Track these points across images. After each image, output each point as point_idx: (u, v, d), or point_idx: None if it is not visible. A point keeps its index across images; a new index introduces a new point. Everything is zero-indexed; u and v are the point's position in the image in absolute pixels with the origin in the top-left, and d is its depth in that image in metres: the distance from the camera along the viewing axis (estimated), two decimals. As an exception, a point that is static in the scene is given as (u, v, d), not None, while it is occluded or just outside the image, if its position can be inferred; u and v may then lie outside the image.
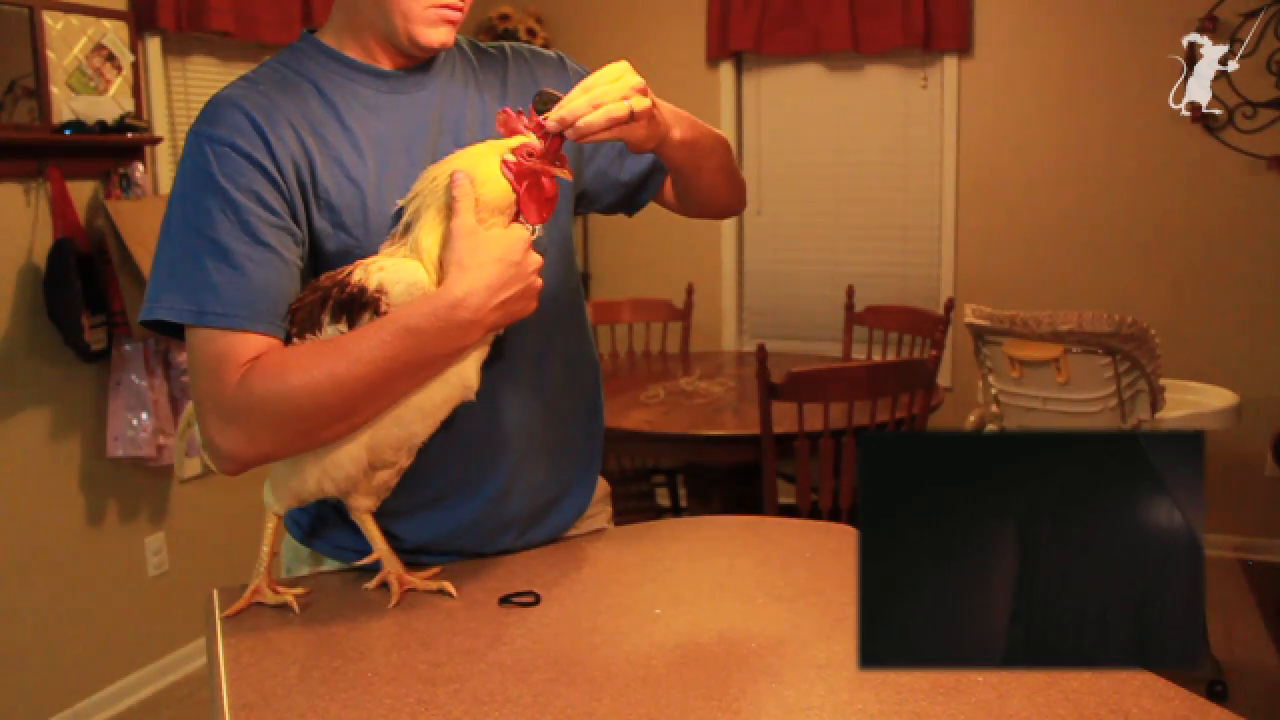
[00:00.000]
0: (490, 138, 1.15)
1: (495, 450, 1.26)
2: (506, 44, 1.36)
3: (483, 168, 1.09)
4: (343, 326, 1.08)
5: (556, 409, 1.33)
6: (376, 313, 1.07)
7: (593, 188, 1.37)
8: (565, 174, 1.13)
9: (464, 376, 1.12)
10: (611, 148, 1.36)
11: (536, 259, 1.12)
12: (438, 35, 1.19)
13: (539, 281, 1.13)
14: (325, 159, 1.15)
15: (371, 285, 1.08)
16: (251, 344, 1.08)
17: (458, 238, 1.07)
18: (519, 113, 1.13)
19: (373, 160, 1.17)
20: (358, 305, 1.07)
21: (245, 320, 1.08)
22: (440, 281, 1.08)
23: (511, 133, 1.12)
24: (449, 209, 1.09)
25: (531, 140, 1.10)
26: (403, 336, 1.06)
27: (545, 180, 1.11)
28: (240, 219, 1.08)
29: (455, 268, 1.07)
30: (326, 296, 1.09)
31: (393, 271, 1.08)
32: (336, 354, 1.06)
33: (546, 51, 1.37)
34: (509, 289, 1.09)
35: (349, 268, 1.10)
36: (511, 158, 1.10)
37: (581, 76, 1.31)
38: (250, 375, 1.07)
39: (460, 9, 1.20)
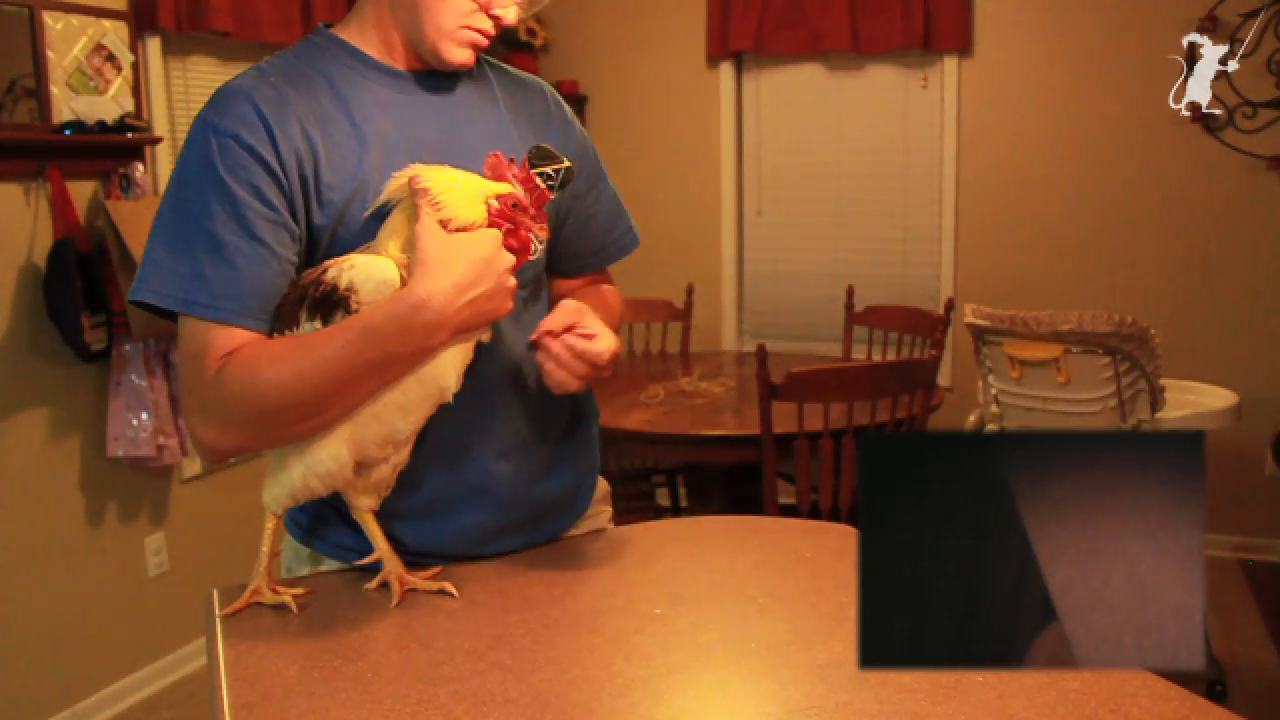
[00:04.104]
0: (494, 150, 1.16)
1: (494, 455, 1.26)
2: (526, 74, 1.38)
3: (465, 190, 1.10)
4: (318, 324, 1.08)
5: (552, 411, 1.33)
6: (347, 311, 1.07)
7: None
8: (542, 232, 1.14)
9: (438, 376, 1.11)
10: (580, 214, 1.37)
11: (508, 258, 1.11)
12: (461, 55, 1.21)
13: (511, 281, 1.12)
14: (330, 155, 1.15)
15: (342, 284, 1.08)
16: (235, 337, 1.09)
17: (424, 237, 1.07)
18: (510, 160, 1.13)
19: (378, 159, 1.17)
20: (329, 304, 1.08)
21: (231, 314, 1.08)
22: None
23: (498, 179, 1.13)
24: (414, 210, 1.09)
25: (519, 192, 1.11)
26: (365, 336, 1.05)
27: (522, 232, 1.12)
28: (237, 213, 1.09)
29: (420, 268, 1.06)
30: (304, 294, 1.10)
31: (362, 270, 1.08)
32: (303, 352, 1.06)
33: (561, 101, 1.39)
34: (477, 287, 1.08)
35: (326, 264, 1.11)
36: (495, 204, 1.10)
37: (566, 122, 1.36)
38: (224, 368, 1.08)
39: (490, 36, 1.22)
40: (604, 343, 1.18)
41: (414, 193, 1.09)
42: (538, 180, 1.13)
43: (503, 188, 1.11)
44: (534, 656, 1.04)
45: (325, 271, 1.10)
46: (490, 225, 1.10)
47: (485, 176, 1.13)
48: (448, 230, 1.08)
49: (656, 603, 1.16)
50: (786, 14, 4.17)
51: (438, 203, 1.07)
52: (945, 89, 4.11)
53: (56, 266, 2.71)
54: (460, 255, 1.07)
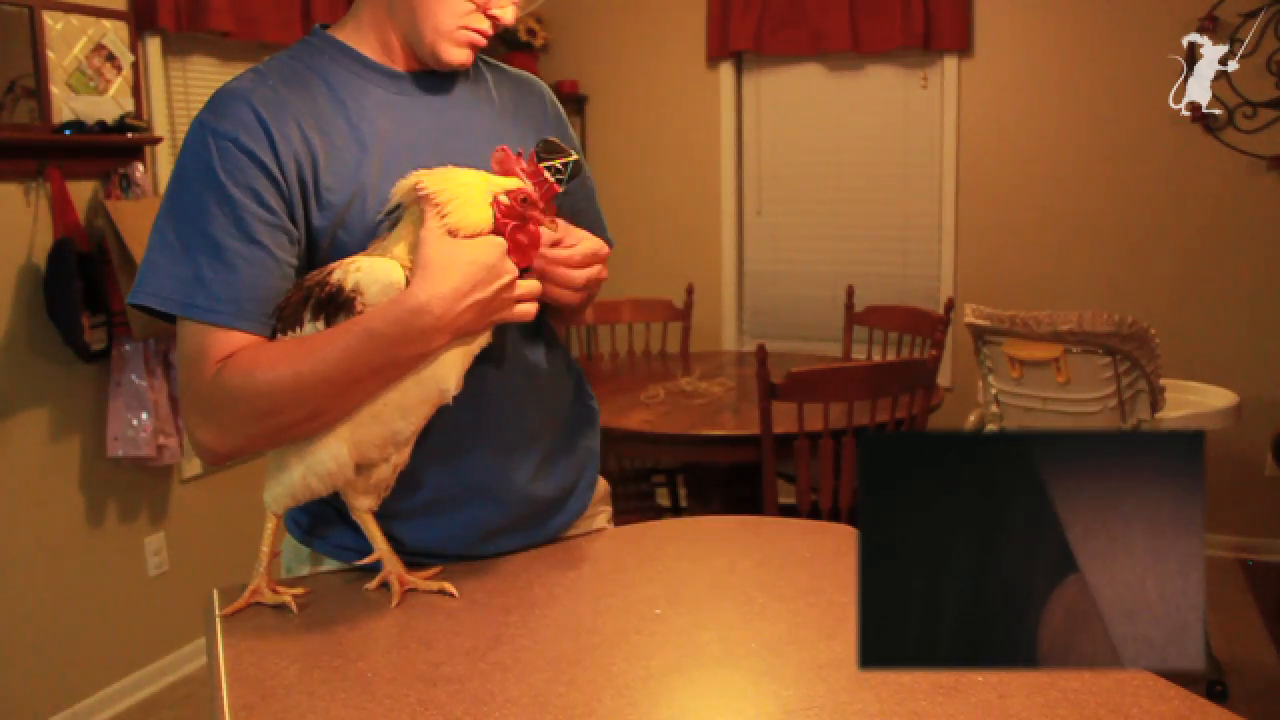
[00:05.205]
0: (493, 149, 1.16)
1: (494, 454, 1.26)
2: (522, 73, 1.38)
3: (472, 194, 1.09)
4: (322, 324, 1.08)
5: (551, 410, 1.33)
6: (352, 312, 1.07)
7: None
8: (551, 226, 1.13)
9: (438, 379, 1.11)
10: (567, 209, 1.37)
11: (511, 268, 1.10)
12: (459, 55, 1.21)
13: (514, 290, 1.11)
14: (329, 158, 1.15)
15: (348, 285, 1.07)
16: (233, 340, 1.09)
17: (428, 242, 1.07)
18: (518, 155, 1.13)
19: (377, 160, 1.17)
20: (334, 305, 1.08)
21: (229, 317, 1.09)
22: None
23: (507, 173, 1.12)
24: (423, 214, 1.09)
25: (528, 187, 1.11)
26: (364, 339, 1.05)
27: (532, 227, 1.12)
28: (236, 216, 1.09)
29: (421, 271, 1.06)
30: (309, 295, 1.09)
31: (369, 272, 1.08)
32: (302, 353, 1.06)
33: (556, 100, 1.40)
34: (477, 293, 1.07)
35: (331, 266, 1.11)
36: (505, 199, 1.10)
37: (562, 121, 1.37)
38: (223, 370, 1.08)
39: (488, 36, 1.22)
40: (587, 243, 1.20)
41: (420, 199, 1.08)
42: (546, 174, 1.12)
43: (511, 183, 1.11)
44: (534, 656, 1.04)
45: (331, 273, 1.09)
46: (499, 221, 1.10)
47: (493, 171, 1.13)
48: (456, 238, 1.07)
49: (656, 603, 1.16)
50: (786, 14, 4.17)
51: (445, 211, 1.07)
52: (945, 89, 4.11)
53: (56, 266, 2.71)
54: (462, 260, 1.07)
